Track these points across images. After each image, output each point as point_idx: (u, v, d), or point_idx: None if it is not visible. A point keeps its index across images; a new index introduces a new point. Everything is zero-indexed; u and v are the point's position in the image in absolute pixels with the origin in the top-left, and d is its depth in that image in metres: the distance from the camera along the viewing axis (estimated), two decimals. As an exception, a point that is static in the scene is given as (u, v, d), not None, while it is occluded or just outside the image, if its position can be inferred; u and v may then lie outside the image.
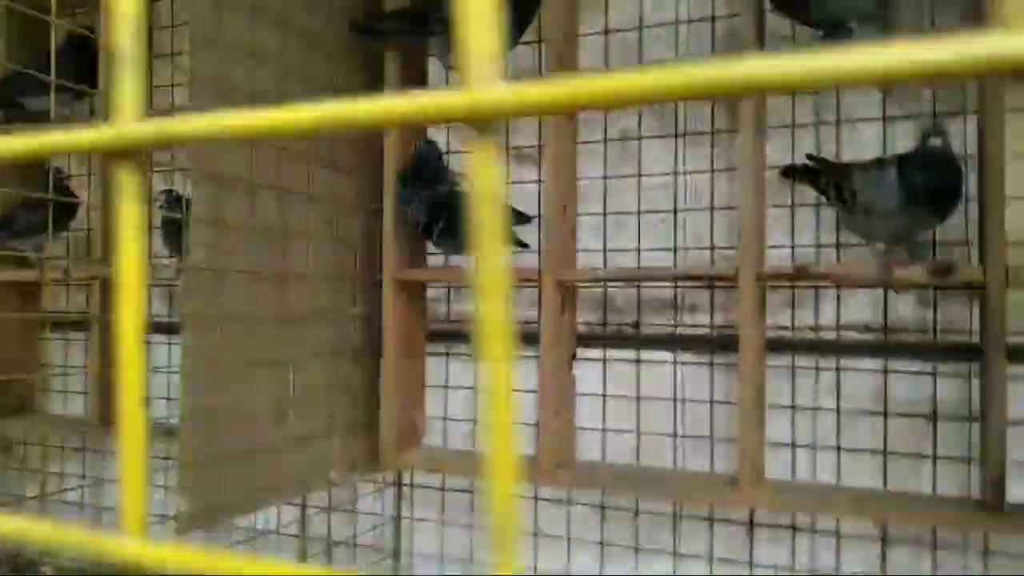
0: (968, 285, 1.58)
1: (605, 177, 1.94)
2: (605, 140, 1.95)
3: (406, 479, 2.17)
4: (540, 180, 1.83)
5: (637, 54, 1.90)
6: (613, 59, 1.93)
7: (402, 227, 1.89)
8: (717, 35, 1.83)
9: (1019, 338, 1.56)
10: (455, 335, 2.12)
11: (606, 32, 1.94)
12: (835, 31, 1.51)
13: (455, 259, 1.92)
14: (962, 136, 1.58)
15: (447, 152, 2.00)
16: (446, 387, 2.11)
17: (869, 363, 1.71)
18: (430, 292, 2.11)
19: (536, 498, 2.01)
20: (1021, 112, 1.57)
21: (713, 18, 1.84)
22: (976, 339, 1.58)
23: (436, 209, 1.79)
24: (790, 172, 1.70)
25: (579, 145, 1.91)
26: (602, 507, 1.95)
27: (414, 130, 1.98)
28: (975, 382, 1.59)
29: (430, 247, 2.01)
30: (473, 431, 2.09)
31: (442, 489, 2.12)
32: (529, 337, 1.93)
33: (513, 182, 1.97)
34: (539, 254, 1.81)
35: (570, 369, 1.87)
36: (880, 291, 1.70)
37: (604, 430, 1.94)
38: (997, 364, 1.40)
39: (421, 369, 2.07)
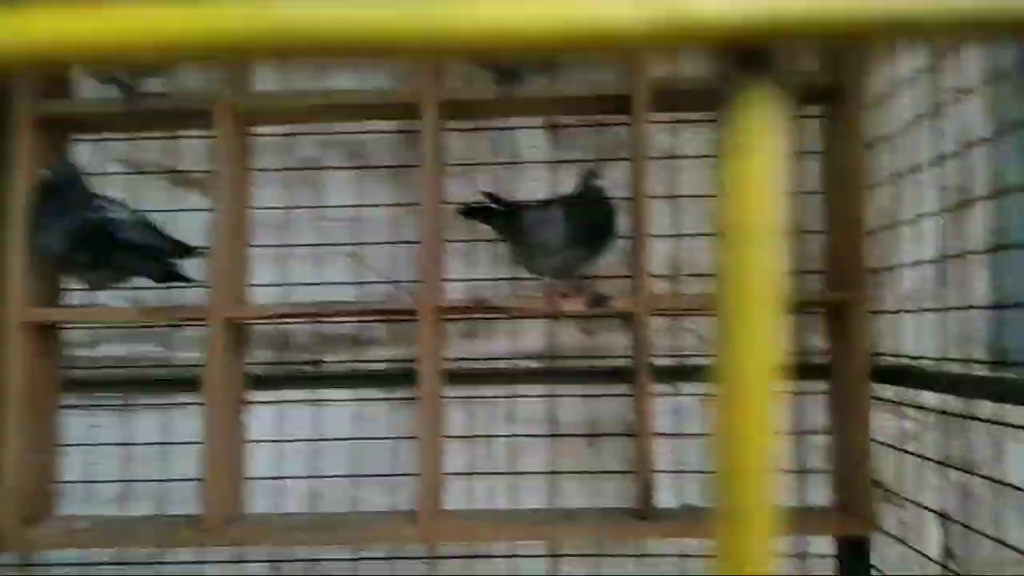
0: (620, 314, 1.76)
1: (284, 207, 1.84)
2: (284, 168, 1.84)
3: (35, 558, 1.80)
4: (209, 208, 1.66)
5: (319, 79, 1.84)
6: (295, 83, 1.84)
7: (34, 259, 1.59)
8: (400, 71, 1.85)
9: (662, 360, 1.78)
10: (100, 384, 1.83)
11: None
12: (509, 78, 1.61)
13: (102, 296, 1.66)
14: (614, 180, 1.77)
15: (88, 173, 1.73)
16: (91, 445, 1.81)
17: (539, 389, 1.82)
18: (69, 335, 1.80)
19: (202, 562, 1.79)
20: (663, 159, 1.81)
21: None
22: (627, 362, 1.76)
23: (79, 239, 1.53)
24: (467, 211, 1.76)
25: (255, 172, 1.78)
26: (277, 562, 1.80)
27: (54, 147, 1.69)
28: (627, 401, 1.77)
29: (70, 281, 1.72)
30: (123, 493, 1.81)
31: (81, 564, 1.79)
32: (192, 381, 1.74)
33: (177, 209, 1.77)
34: (207, 289, 1.63)
35: (241, 414, 1.71)
36: (548, 321, 1.82)
37: (279, 478, 1.80)
38: (644, 384, 1.56)
39: (56, 426, 1.74)
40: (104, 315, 1.67)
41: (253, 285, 1.75)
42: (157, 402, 1.83)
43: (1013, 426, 1.31)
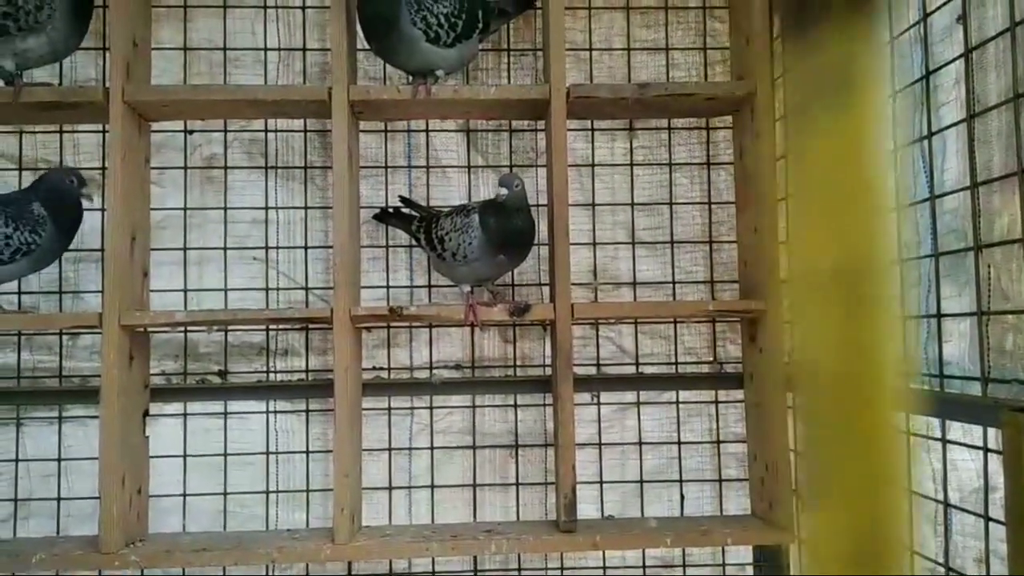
0: (541, 322, 1.72)
1: (185, 208, 1.74)
2: (186, 167, 1.75)
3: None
4: (103, 208, 1.56)
5: (223, 74, 1.75)
6: (196, 78, 1.75)
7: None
8: (309, 68, 1.77)
9: (584, 368, 1.75)
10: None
11: (185, 49, 1.75)
12: (424, 77, 1.55)
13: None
14: (534, 186, 1.74)
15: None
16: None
17: (459, 399, 1.77)
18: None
19: (100, 585, 1.69)
20: (582, 167, 1.78)
21: (304, 49, 1.78)
22: (548, 371, 1.72)
23: None
24: (383, 216, 1.70)
25: (154, 170, 1.68)
26: (184, 584, 1.70)
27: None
28: (549, 410, 1.74)
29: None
30: (16, 513, 1.69)
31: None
32: (89, 393, 1.63)
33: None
34: (102, 295, 1.53)
35: (142, 429, 1.61)
36: (468, 330, 1.77)
37: (185, 495, 1.71)
38: (565, 392, 1.53)
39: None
40: (-10, 323, 1.55)
41: (153, 291, 1.65)
42: (51, 415, 1.71)
43: (922, 436, 1.32)
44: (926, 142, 1.30)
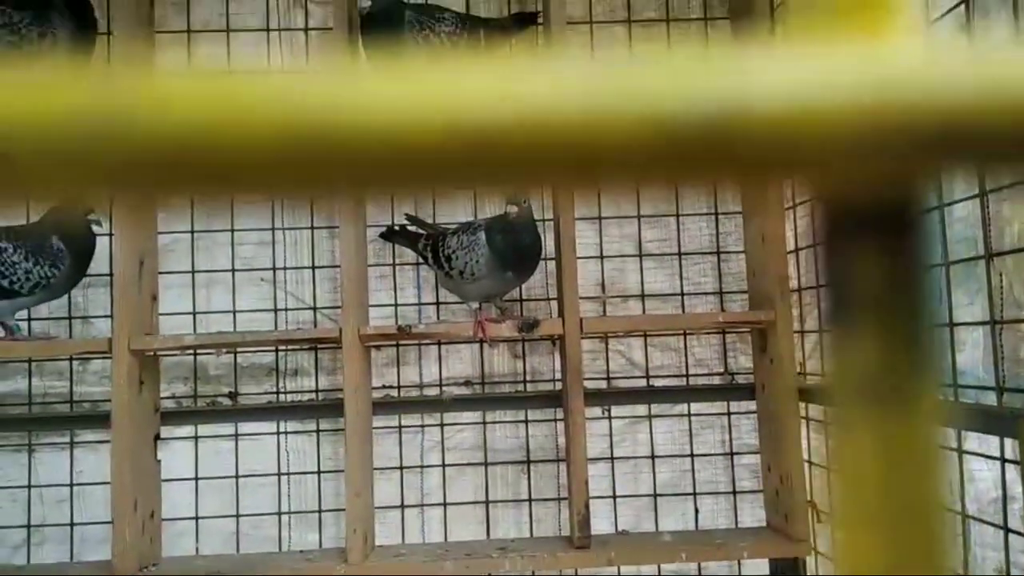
0: (550, 337, 1.72)
1: (192, 231, 1.75)
2: (192, 191, 1.75)
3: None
4: (111, 234, 1.57)
5: (226, 56, 1.77)
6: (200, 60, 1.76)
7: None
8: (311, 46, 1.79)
9: (594, 382, 1.74)
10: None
11: (188, 31, 1.77)
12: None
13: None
14: (539, 201, 1.73)
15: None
16: (-14, 489, 1.68)
17: (470, 416, 1.76)
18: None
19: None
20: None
21: (306, 29, 1.78)
22: (559, 386, 1.72)
23: None
24: (390, 234, 1.70)
25: (160, 195, 1.69)
26: (198, 607, 1.70)
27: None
28: (560, 425, 1.73)
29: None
30: (29, 539, 1.69)
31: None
32: (100, 418, 1.64)
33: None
34: (111, 319, 1.54)
35: (154, 452, 1.61)
36: (477, 346, 1.76)
37: (198, 518, 1.70)
38: (576, 407, 1.52)
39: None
40: (1, 349, 1.56)
41: (162, 314, 1.66)
42: (63, 441, 1.71)
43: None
44: (933, 149, 1.29)
